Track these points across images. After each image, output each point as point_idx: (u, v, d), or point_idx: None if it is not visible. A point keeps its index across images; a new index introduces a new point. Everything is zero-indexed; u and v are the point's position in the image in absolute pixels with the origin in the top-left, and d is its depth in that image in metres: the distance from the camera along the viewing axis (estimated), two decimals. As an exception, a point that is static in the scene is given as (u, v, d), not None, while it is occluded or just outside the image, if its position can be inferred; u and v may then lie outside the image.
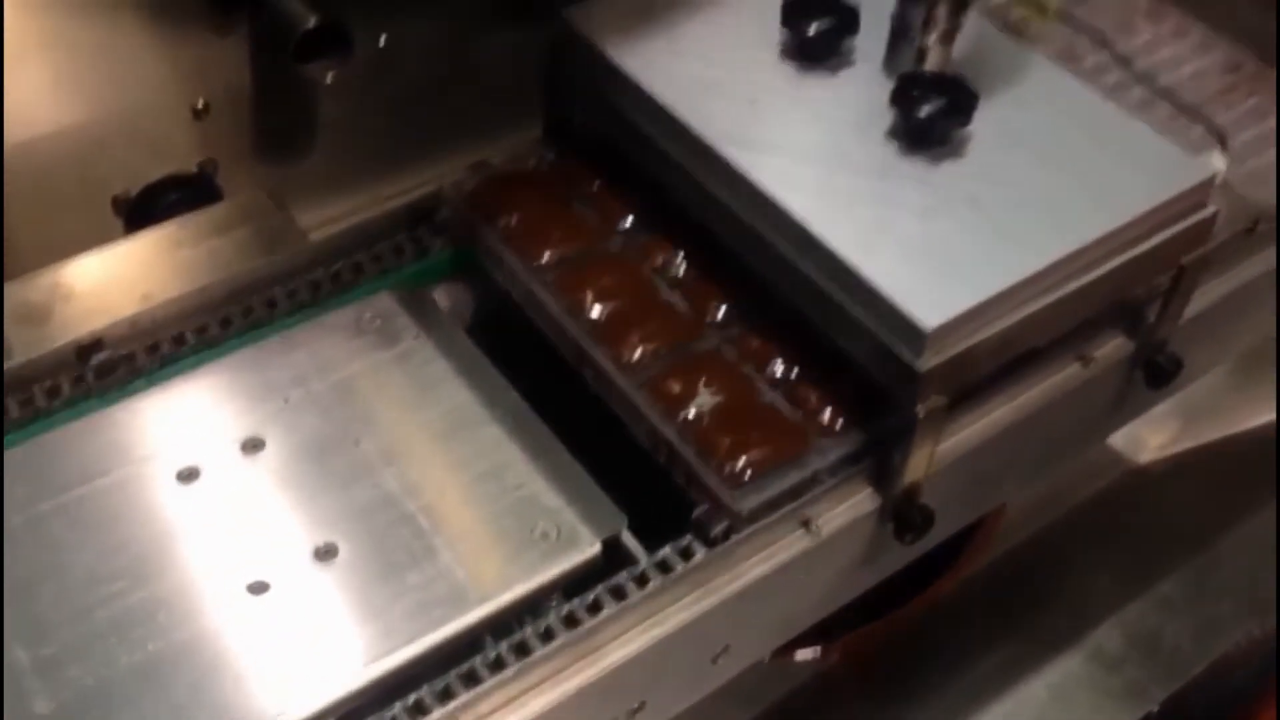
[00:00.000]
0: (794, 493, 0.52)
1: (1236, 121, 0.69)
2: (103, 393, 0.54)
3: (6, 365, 0.53)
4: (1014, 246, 0.52)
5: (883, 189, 0.55)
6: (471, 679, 0.46)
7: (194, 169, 0.62)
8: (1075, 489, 0.89)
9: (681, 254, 0.60)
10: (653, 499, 0.52)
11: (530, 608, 0.49)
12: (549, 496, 0.51)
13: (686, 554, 0.50)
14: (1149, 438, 0.93)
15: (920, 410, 0.50)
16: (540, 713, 0.47)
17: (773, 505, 0.51)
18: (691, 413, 0.53)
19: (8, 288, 0.55)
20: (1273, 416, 0.93)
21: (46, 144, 0.57)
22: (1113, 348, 0.60)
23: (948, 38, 0.57)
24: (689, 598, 0.50)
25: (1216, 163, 0.66)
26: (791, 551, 0.52)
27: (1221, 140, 0.67)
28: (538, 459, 0.52)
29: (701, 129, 0.56)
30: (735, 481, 0.51)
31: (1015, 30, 0.68)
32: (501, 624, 0.48)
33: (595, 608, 0.49)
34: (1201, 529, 0.86)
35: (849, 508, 0.53)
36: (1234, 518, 0.87)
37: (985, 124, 0.56)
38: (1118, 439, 0.91)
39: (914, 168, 0.55)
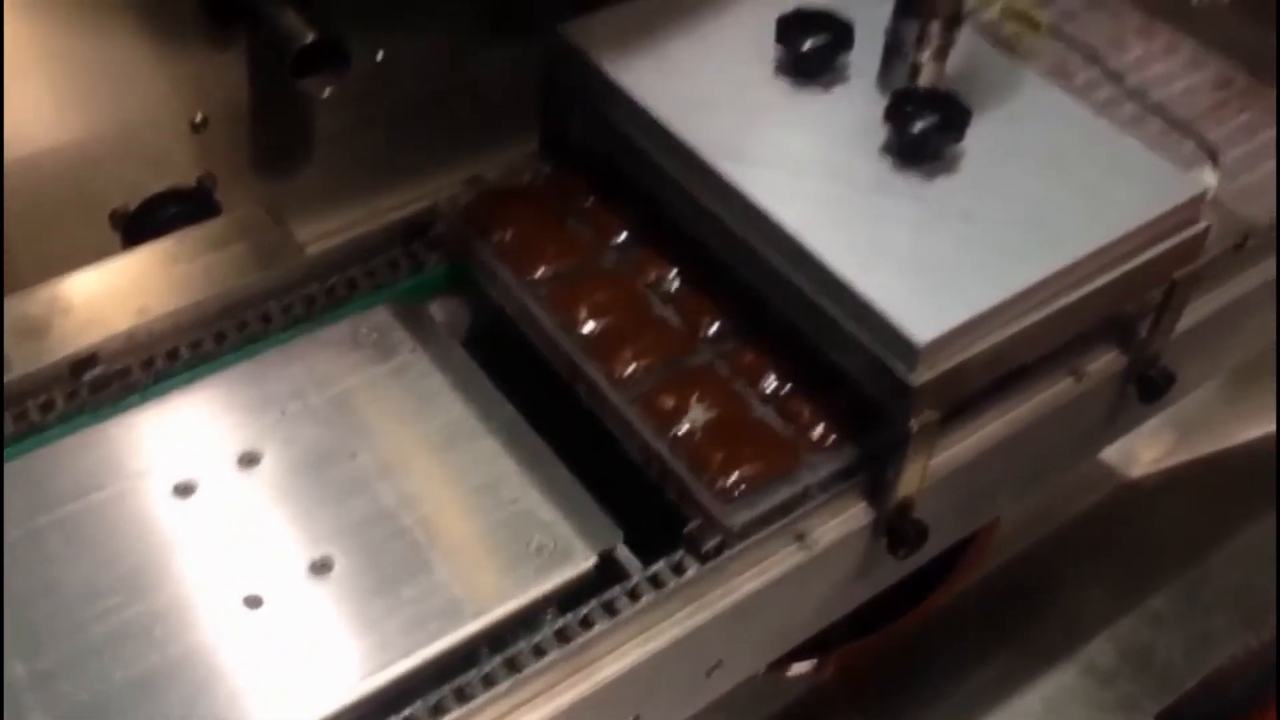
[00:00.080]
0: (786, 508, 0.52)
1: (1228, 137, 0.69)
2: (96, 408, 0.54)
3: (6, 378, 0.53)
4: (1007, 261, 0.52)
5: (876, 204, 0.55)
6: (464, 694, 0.47)
7: (192, 183, 0.62)
8: (1069, 503, 0.89)
9: (675, 269, 0.60)
10: (648, 513, 0.52)
11: (525, 621, 0.49)
12: (544, 510, 0.51)
13: (679, 569, 0.50)
14: (1142, 452, 0.94)
15: (913, 425, 0.51)
16: (534, 727, 0.47)
17: (764, 521, 0.51)
18: (684, 428, 0.53)
19: (7, 301, 0.55)
20: (1265, 430, 0.94)
21: (45, 159, 0.57)
22: (1105, 362, 0.61)
23: (941, 54, 0.58)
24: (683, 612, 0.50)
25: (1208, 178, 0.66)
26: (785, 566, 0.52)
27: (1213, 156, 0.67)
28: (533, 473, 0.53)
29: (696, 143, 0.56)
30: (727, 497, 0.51)
31: (1007, 46, 0.69)
32: (496, 637, 0.48)
33: (589, 622, 0.49)
34: (1194, 543, 0.87)
35: (842, 522, 0.54)
36: (1226, 532, 0.87)
37: (978, 140, 0.56)
38: (1111, 453, 0.91)
39: (907, 183, 0.56)
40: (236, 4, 0.58)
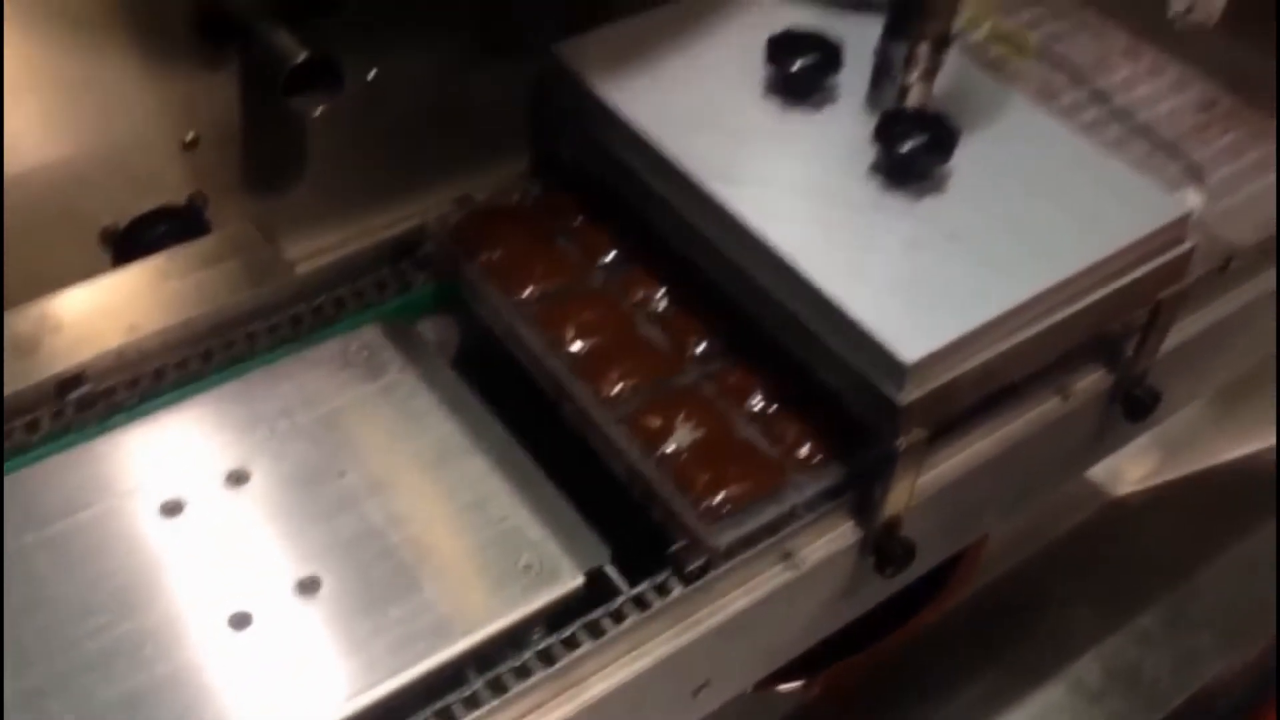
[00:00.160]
0: (771, 528, 0.52)
1: (1212, 159, 0.70)
2: (82, 426, 0.54)
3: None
4: (994, 281, 0.53)
5: (865, 224, 0.55)
6: (450, 715, 0.46)
7: (183, 202, 0.62)
8: (1056, 521, 0.89)
9: (663, 289, 0.60)
10: (638, 531, 0.52)
11: (513, 640, 0.49)
12: (533, 529, 0.51)
13: (664, 589, 0.50)
14: (1129, 470, 0.94)
15: (901, 443, 0.51)
16: (521, 746, 0.47)
17: (750, 541, 0.51)
18: (669, 448, 0.53)
19: (-6, 320, 0.55)
20: (1251, 449, 0.94)
21: (36, 177, 0.57)
22: (1092, 381, 0.61)
23: (929, 76, 0.58)
24: (670, 631, 0.50)
25: (1194, 199, 0.66)
26: (772, 585, 0.52)
27: (1198, 177, 0.68)
28: (522, 491, 0.53)
29: (686, 163, 0.57)
30: (712, 517, 0.51)
31: (995, 68, 0.69)
32: (484, 657, 0.48)
33: (576, 641, 0.49)
34: (1180, 561, 0.87)
35: (830, 541, 0.54)
36: (1213, 550, 0.88)
37: (966, 160, 0.57)
38: (1098, 472, 0.92)
39: (896, 203, 0.56)
40: (229, 23, 0.58)
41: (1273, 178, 0.70)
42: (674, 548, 0.51)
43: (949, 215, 0.55)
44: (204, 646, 0.47)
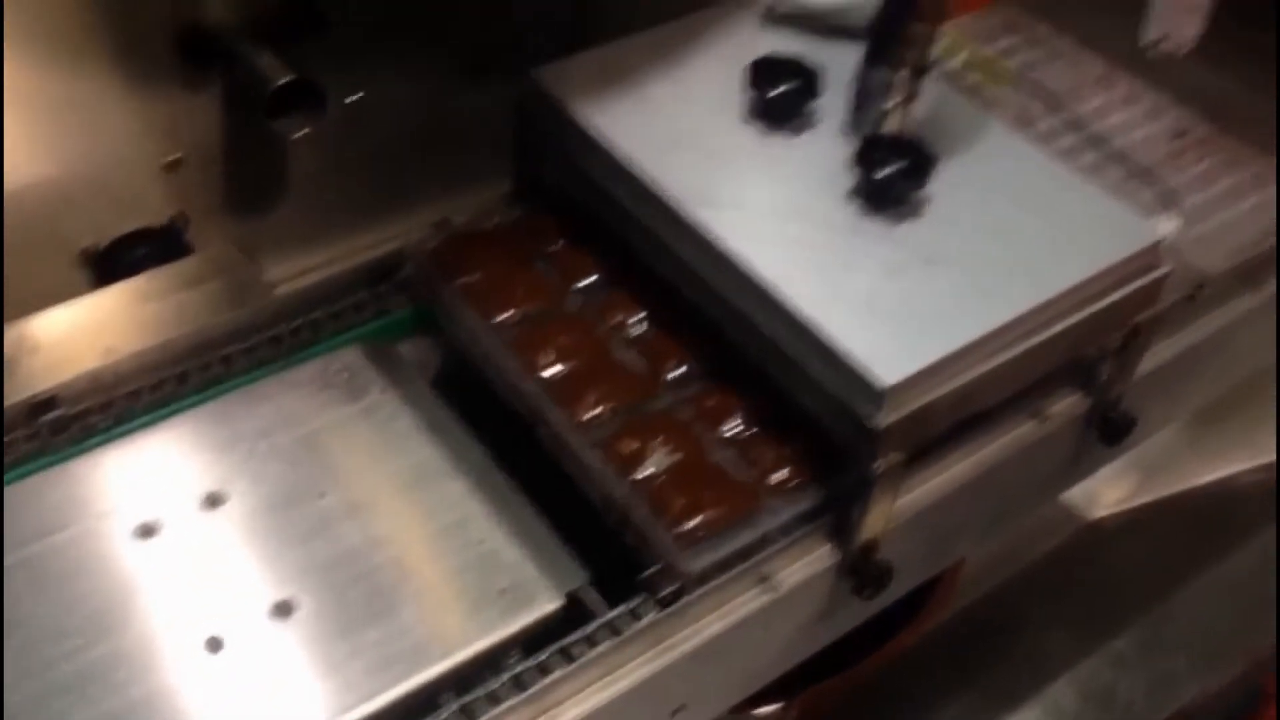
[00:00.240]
0: (746, 553, 0.52)
1: (1185, 186, 0.71)
2: (57, 449, 0.54)
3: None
4: (971, 305, 0.53)
5: (843, 248, 0.56)
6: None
7: (164, 223, 0.62)
8: (1032, 544, 0.90)
9: (641, 313, 0.60)
10: (617, 553, 0.52)
11: (490, 663, 0.49)
12: (511, 552, 0.51)
13: (638, 614, 0.50)
14: (1105, 493, 0.95)
15: (878, 467, 0.51)
16: (497, 770, 0.47)
17: (724, 566, 0.51)
18: (644, 473, 0.53)
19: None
20: (1226, 472, 0.95)
21: (17, 197, 0.57)
22: (1068, 405, 0.61)
23: (908, 102, 0.59)
24: (646, 655, 0.50)
25: (1168, 225, 0.67)
26: (749, 607, 0.52)
27: (1172, 203, 0.69)
28: (501, 514, 0.53)
29: (666, 187, 0.57)
30: (686, 542, 0.51)
31: (972, 95, 0.70)
32: (462, 680, 0.48)
33: (550, 666, 0.49)
34: (1156, 584, 0.87)
35: (807, 564, 0.54)
36: (1187, 573, 0.88)
37: (943, 185, 0.57)
38: (1075, 494, 0.92)
39: (874, 227, 0.56)
40: (212, 45, 0.58)
41: (1245, 205, 0.71)
42: (648, 572, 0.51)
43: (927, 240, 0.56)
44: (179, 669, 0.47)
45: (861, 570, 0.55)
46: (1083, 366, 0.61)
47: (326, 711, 0.46)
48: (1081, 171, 0.63)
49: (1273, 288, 0.69)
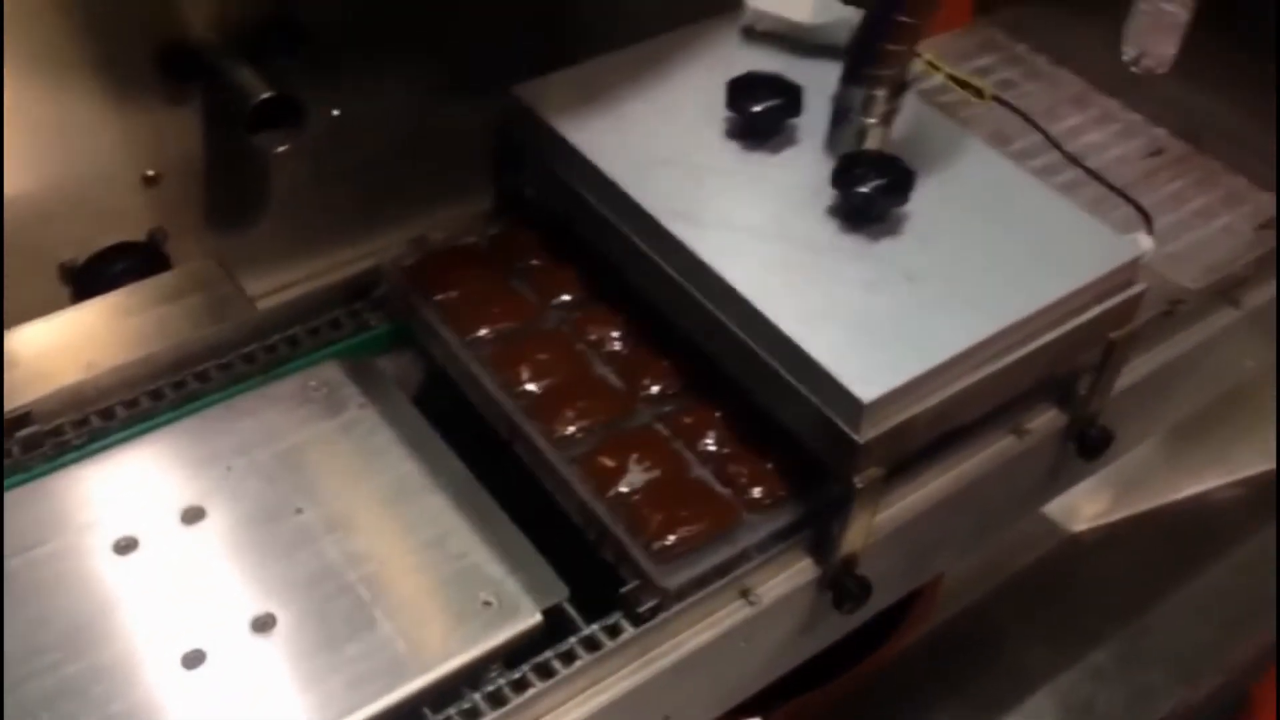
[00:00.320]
0: (724, 569, 0.52)
1: (1158, 205, 0.71)
2: (30, 466, 0.54)
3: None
4: (951, 321, 0.54)
5: (823, 264, 0.56)
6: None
7: (143, 237, 0.62)
8: (1012, 558, 0.90)
9: (619, 329, 0.60)
10: (599, 567, 0.52)
11: (470, 678, 0.49)
12: (491, 566, 0.51)
13: (615, 631, 0.50)
14: (1084, 507, 0.95)
15: (858, 482, 0.51)
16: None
17: (702, 582, 0.51)
18: (622, 489, 0.53)
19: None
20: (1204, 487, 0.96)
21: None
22: (1046, 420, 0.62)
23: (886, 119, 0.59)
24: (628, 668, 0.50)
25: (1145, 242, 0.68)
26: (730, 621, 0.52)
27: (1148, 221, 0.69)
28: (481, 528, 0.53)
29: (647, 203, 0.57)
30: (663, 558, 0.51)
31: (951, 113, 0.70)
32: (441, 694, 0.48)
33: (528, 682, 0.49)
34: (1134, 597, 0.88)
35: (788, 578, 0.54)
36: (1165, 586, 0.89)
37: (923, 202, 0.58)
38: (1054, 509, 0.93)
39: (854, 244, 0.57)
40: (193, 60, 0.58)
41: (1218, 224, 0.72)
42: (626, 588, 0.51)
43: (906, 256, 0.56)
44: (158, 685, 0.47)
45: (842, 584, 0.55)
46: (1061, 382, 0.62)
47: (306, 727, 0.46)
48: (1059, 189, 0.64)
49: (1248, 305, 0.70)
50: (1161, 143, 0.77)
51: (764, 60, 0.65)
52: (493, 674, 0.49)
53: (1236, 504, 0.95)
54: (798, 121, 0.62)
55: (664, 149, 0.60)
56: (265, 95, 0.57)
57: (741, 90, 0.61)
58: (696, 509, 0.53)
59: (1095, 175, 0.71)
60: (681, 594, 0.51)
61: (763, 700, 0.58)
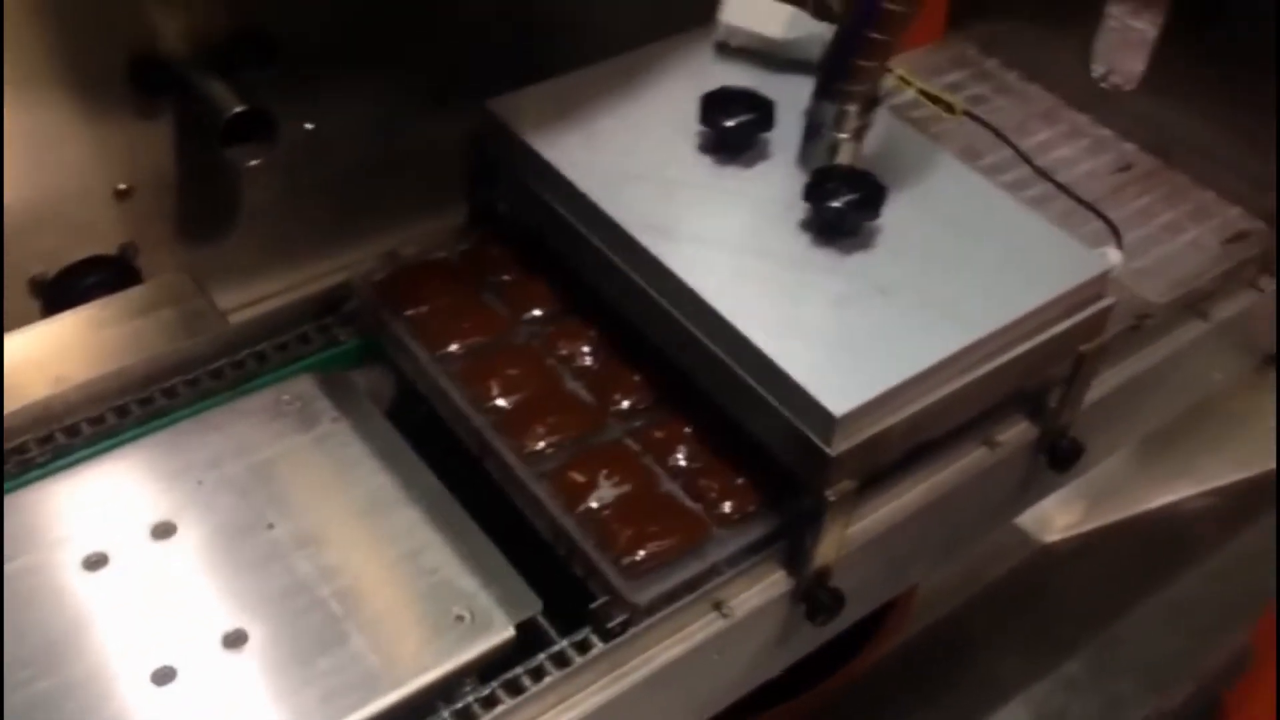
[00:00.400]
0: (694, 583, 0.52)
1: (1128, 219, 0.72)
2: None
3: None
4: (922, 334, 0.54)
5: (795, 278, 0.56)
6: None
7: (115, 251, 0.62)
8: (985, 569, 0.91)
9: (590, 344, 0.60)
10: (572, 580, 0.52)
11: (444, 692, 0.49)
12: (464, 580, 0.51)
13: (584, 647, 0.50)
14: (1056, 518, 0.96)
15: (831, 494, 0.52)
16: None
17: (672, 597, 0.51)
18: (591, 505, 0.53)
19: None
20: (1174, 497, 0.97)
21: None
22: (1017, 432, 0.62)
23: (858, 134, 0.60)
24: (599, 683, 0.50)
25: (1114, 256, 0.68)
26: (703, 634, 0.52)
27: (1117, 235, 0.70)
28: (454, 542, 0.53)
29: (620, 218, 0.57)
30: (633, 573, 0.51)
31: (922, 128, 0.71)
32: (415, 709, 0.48)
33: (500, 697, 0.48)
34: (1106, 608, 0.88)
35: (761, 590, 0.54)
36: (1137, 596, 0.89)
37: (894, 217, 0.58)
38: (1026, 520, 0.93)
39: (826, 258, 0.57)
40: (165, 74, 0.58)
41: (1186, 238, 0.73)
42: (596, 604, 0.51)
43: (878, 270, 0.57)
44: (130, 701, 0.46)
45: (815, 597, 0.55)
46: (1032, 395, 0.62)
47: (277, 743, 0.46)
48: (1029, 203, 0.64)
49: (1216, 318, 0.71)
50: (1131, 158, 0.78)
51: (737, 75, 0.65)
52: (466, 688, 0.49)
53: (1207, 514, 0.96)
54: (770, 136, 0.62)
55: (637, 163, 0.60)
56: (238, 109, 0.57)
57: (715, 105, 0.61)
58: (666, 524, 0.53)
59: (1065, 190, 0.72)
60: (651, 609, 0.51)
61: (736, 713, 0.58)
